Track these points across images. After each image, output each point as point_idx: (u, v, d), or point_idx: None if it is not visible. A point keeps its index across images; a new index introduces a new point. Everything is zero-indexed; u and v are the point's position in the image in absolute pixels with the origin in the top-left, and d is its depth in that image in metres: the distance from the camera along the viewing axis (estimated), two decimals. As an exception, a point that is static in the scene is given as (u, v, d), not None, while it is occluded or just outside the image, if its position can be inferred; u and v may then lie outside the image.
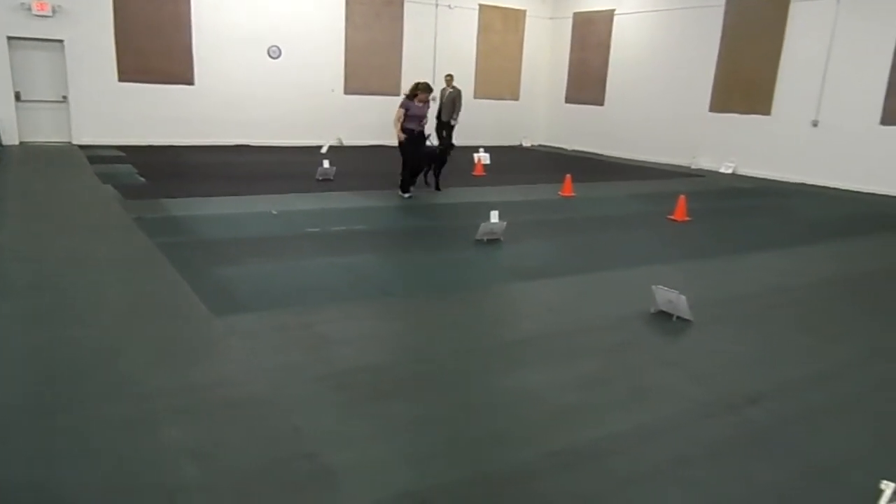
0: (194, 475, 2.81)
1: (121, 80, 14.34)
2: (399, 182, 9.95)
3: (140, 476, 2.79)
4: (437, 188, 10.55)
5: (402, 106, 9.55)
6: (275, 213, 8.27)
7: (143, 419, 3.23)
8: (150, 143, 14.57)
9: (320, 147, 14.18)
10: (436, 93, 14.46)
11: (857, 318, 5.51)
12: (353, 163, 13.42)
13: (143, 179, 10.33)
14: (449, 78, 14.67)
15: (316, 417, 3.34)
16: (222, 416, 3.30)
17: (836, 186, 12.94)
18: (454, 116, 14.51)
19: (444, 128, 14.47)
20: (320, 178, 10.90)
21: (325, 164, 11.07)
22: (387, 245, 7.15)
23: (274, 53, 15.76)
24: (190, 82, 15.02)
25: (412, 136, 9.59)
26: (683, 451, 3.21)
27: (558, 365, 4.17)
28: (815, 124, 13.49)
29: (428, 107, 9.68)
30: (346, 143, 16.59)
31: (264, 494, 2.72)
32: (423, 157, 10.06)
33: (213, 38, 15.00)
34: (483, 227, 7.27)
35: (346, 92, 16.70)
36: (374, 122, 16.79)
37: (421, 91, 9.48)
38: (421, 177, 10.51)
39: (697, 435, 3.38)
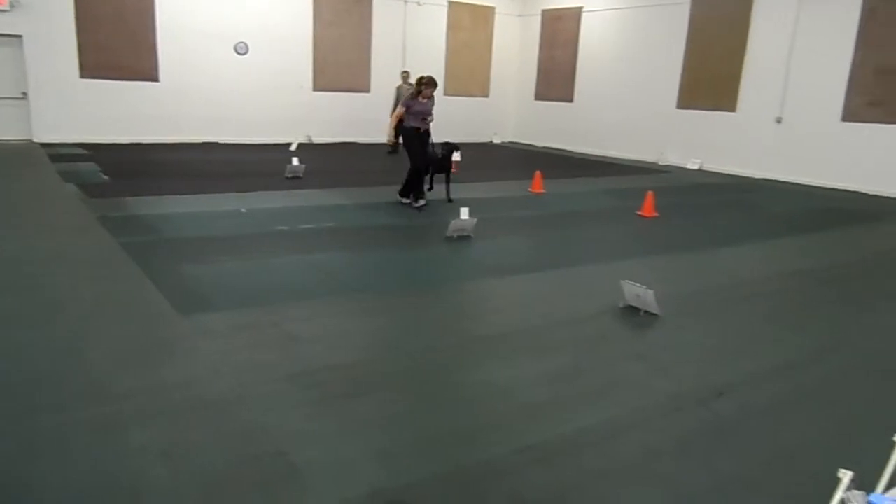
0: (162, 475, 2.76)
1: (83, 76, 14.02)
2: (401, 188, 9.10)
3: (107, 477, 2.73)
4: (449, 199, 9.35)
5: (404, 103, 8.86)
6: (244, 210, 8.18)
7: (110, 421, 3.16)
8: (114, 141, 14.29)
9: (289, 144, 14.05)
10: (408, 88, 14.54)
11: (820, 309, 5.62)
12: (322, 160, 13.32)
13: (106, 178, 10.12)
14: (405, 74, 14.56)
15: (285, 416, 3.31)
16: (190, 416, 3.25)
17: (799, 182, 13.20)
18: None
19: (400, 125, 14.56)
20: (289, 176, 10.80)
21: (295, 161, 10.97)
22: (357, 242, 7.11)
23: (241, 50, 15.56)
24: (154, 79, 14.76)
25: (417, 133, 8.84)
26: (653, 444, 3.24)
27: (529, 360, 4.19)
28: (778, 121, 13.73)
29: (432, 102, 8.91)
30: (316, 140, 16.46)
31: (233, 494, 2.68)
32: (431, 157, 9.19)
33: (178, 33, 14.75)
34: (453, 223, 7.27)
35: (316, 88, 16.56)
36: (344, 119, 16.70)
37: (425, 86, 8.71)
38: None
39: (666, 428, 3.42)
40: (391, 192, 10.22)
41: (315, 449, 3.02)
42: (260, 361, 3.92)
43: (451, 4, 17.97)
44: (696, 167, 15.22)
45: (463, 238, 7.26)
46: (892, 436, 1.87)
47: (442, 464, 2.97)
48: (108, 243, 6.37)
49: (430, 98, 8.84)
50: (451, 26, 18.13)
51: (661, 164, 15.85)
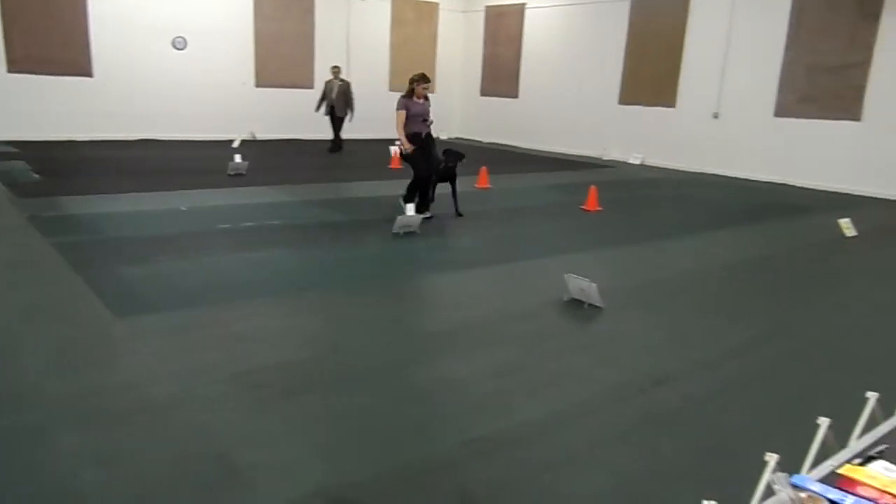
0: (97, 482, 2.67)
1: (10, 70, 13.42)
2: (402, 203, 8.04)
3: (37, 486, 2.62)
4: (458, 212, 8.39)
5: (400, 107, 7.91)
6: (184, 209, 7.97)
7: (42, 427, 3.04)
8: (46, 139, 13.74)
9: (232, 141, 13.76)
10: (339, 84, 14.12)
11: (756, 299, 5.81)
12: (266, 157, 13.10)
13: (37, 176, 9.73)
14: (336, 70, 14.27)
15: (228, 417, 3.24)
16: (128, 420, 3.15)
17: (736, 175, 13.60)
18: (349, 111, 14.26)
19: (337, 123, 14.27)
20: (232, 173, 10.58)
21: (237, 158, 10.76)
22: (302, 240, 7.02)
23: (179, 44, 15.15)
24: (88, 74, 14.23)
25: (419, 139, 7.97)
26: (596, 435, 3.30)
27: (475, 354, 4.21)
28: (715, 116, 14.11)
29: (429, 102, 8.14)
30: (260, 136, 16.16)
31: (172, 498, 2.61)
32: (437, 162, 8.30)
33: (113, 26, 14.26)
34: (399, 220, 7.25)
35: (258, 84, 16.26)
36: (288, 116, 16.43)
37: (417, 83, 7.93)
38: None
39: (609, 418, 3.48)
40: (337, 189, 10.14)
41: (259, 449, 2.97)
42: (202, 362, 3.83)
43: (394, 0, 17.88)
44: (638, 162, 15.53)
45: (409, 234, 7.24)
46: (828, 419, 1.93)
47: (388, 460, 2.96)
48: (38, 244, 6.13)
49: (426, 97, 8.07)
50: (395, 21, 18.04)
51: (604, 159, 16.11)
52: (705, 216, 9.63)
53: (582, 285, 5.19)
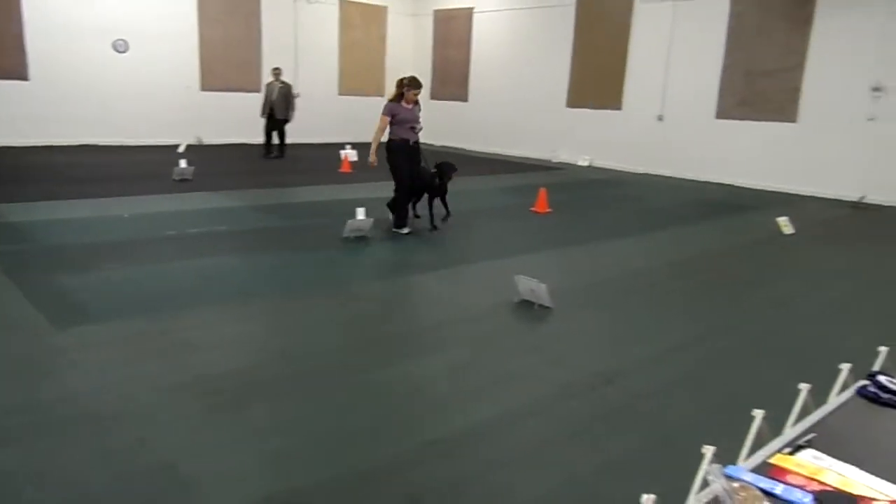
0: (35, 499, 2.58)
1: (-59, 74, 12.90)
2: (390, 212, 7.78)
3: (-30, 509, 2.53)
4: (434, 226, 7.93)
5: (385, 112, 7.37)
6: (126, 216, 7.77)
7: (-26, 446, 2.93)
8: (-20, 145, 13.22)
9: (177, 146, 13.47)
10: (280, 87, 13.74)
11: (699, 295, 5.97)
12: (213, 162, 12.85)
13: (-29, 184, 9.36)
14: (277, 71, 13.95)
15: (174, 428, 3.18)
16: (68, 433, 3.06)
17: (681, 176, 13.95)
18: (290, 114, 13.94)
19: (277, 126, 13.93)
20: (178, 179, 10.36)
21: (183, 163, 10.54)
22: (250, 246, 6.92)
23: (120, 47, 14.76)
24: (23, 77, 13.74)
25: (405, 147, 7.45)
26: (546, 432, 3.34)
27: (427, 357, 4.22)
28: (660, 118, 14.45)
29: (419, 108, 7.60)
30: (206, 141, 15.86)
31: (117, 515, 2.55)
32: (421, 175, 7.82)
33: (49, 29, 13.80)
34: (350, 224, 7.22)
35: (204, 88, 15.95)
36: (235, 120, 16.18)
37: (408, 87, 7.34)
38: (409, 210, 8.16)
39: (559, 416, 3.53)
40: (286, 194, 10.04)
41: (206, 460, 2.92)
42: (147, 372, 3.74)
43: (342, 3, 17.77)
44: (586, 164, 15.78)
45: (360, 238, 7.21)
46: (763, 411, 2.01)
47: (339, 465, 2.95)
48: (-27, 254, 5.90)
49: (416, 102, 7.51)
50: (344, 25, 17.95)
51: (553, 161, 16.32)
52: (651, 216, 9.84)
53: (532, 286, 5.26)
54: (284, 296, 5.36)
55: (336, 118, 17.84)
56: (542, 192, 9.59)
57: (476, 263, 6.65)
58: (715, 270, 6.91)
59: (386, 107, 7.44)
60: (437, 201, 8.14)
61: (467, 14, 18.04)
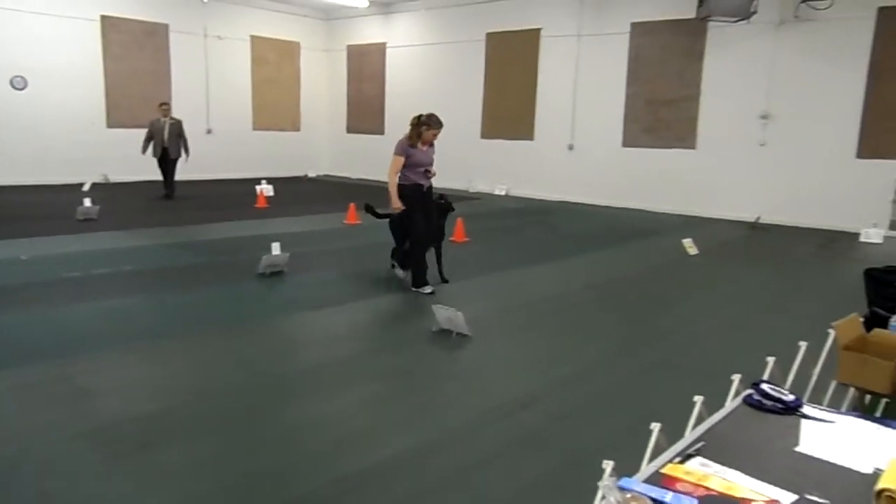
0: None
1: None
2: (397, 267, 7.01)
3: None
4: (444, 278, 7.06)
5: (399, 152, 6.50)
6: (24, 258, 7.38)
7: None
8: None
9: (81, 185, 12.93)
10: (172, 123, 12.68)
11: (611, 317, 6.17)
12: (120, 200, 12.42)
13: None
14: (165, 107, 12.94)
15: (74, 479, 3.01)
16: (-46, 495, 2.86)
17: (591, 203, 14.43)
18: (184, 153, 12.97)
19: (168, 166, 12.92)
20: (81, 218, 9.94)
21: (87, 202, 10.13)
22: (159, 285, 6.69)
23: (18, 84, 14.13)
24: (-89, 116, 12.95)
25: (419, 193, 6.60)
26: (464, 460, 3.36)
27: (343, 391, 4.17)
28: (570, 148, 14.96)
29: (433, 149, 6.81)
30: (113, 179, 15.30)
31: (8, 577, 2.39)
32: (436, 224, 6.94)
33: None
34: (265, 259, 7.10)
35: (110, 125, 15.44)
36: (143, 157, 15.68)
37: (426, 127, 6.54)
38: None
39: (475, 443, 3.55)
40: (198, 231, 9.78)
41: (109, 511, 2.78)
42: (45, 422, 3.54)
43: (254, 39, 17.65)
44: (502, 193, 16.11)
45: (276, 273, 7.10)
46: (659, 424, 2.08)
47: (252, 507, 2.87)
48: None
49: (432, 144, 6.70)
50: (256, 61, 17.80)
51: (471, 191, 16.57)
52: (566, 242, 10.13)
53: (449, 315, 5.30)
54: (194, 336, 5.20)
55: (251, 153, 17.63)
56: (460, 221, 9.72)
57: (393, 294, 6.66)
58: (626, 293, 7.16)
59: (400, 146, 6.52)
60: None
61: (380, 49, 18.26)
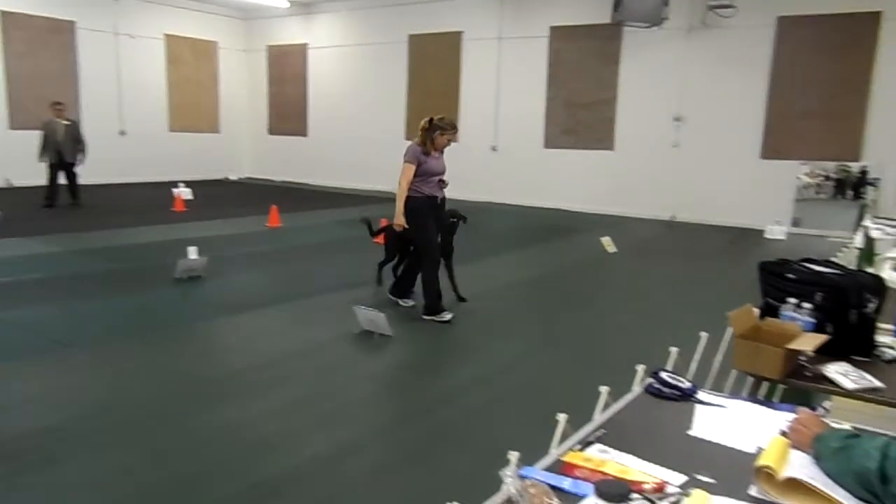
0: None
1: None
2: (397, 296, 6.28)
3: None
4: (461, 297, 6.48)
5: (411, 159, 5.65)
6: (-83, 269, 6.93)
7: None
8: None
9: (-18, 190, 12.23)
10: (67, 125, 11.72)
11: (531, 314, 6.29)
12: (25, 205, 11.79)
13: None
14: (59, 107, 11.87)
15: (-31, 500, 2.86)
16: None
17: (514, 203, 14.67)
18: (80, 157, 11.92)
19: (66, 169, 11.83)
20: (-18, 225, 9.39)
21: (-12, 208, 9.59)
22: (69, 293, 6.39)
23: None
24: None
25: (433, 206, 5.82)
26: (382, 459, 3.37)
27: (261, 395, 4.11)
28: (494, 149, 15.16)
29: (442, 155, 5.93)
30: (17, 183, 14.52)
31: None
32: (444, 237, 6.21)
33: None
34: (181, 263, 6.90)
35: (13, 126, 14.64)
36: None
37: (442, 131, 5.70)
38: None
39: (395, 442, 3.57)
40: (111, 236, 9.42)
41: (7, 530, 2.65)
42: (-64, 442, 3.34)
43: (168, 38, 17.08)
44: (427, 195, 16.17)
45: (194, 278, 6.91)
46: (566, 415, 2.14)
47: (163, 518, 2.79)
48: None
49: (441, 151, 5.87)
50: (171, 60, 17.24)
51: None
52: (490, 242, 10.25)
53: (371, 316, 5.29)
54: (104, 344, 5.00)
55: (168, 156, 17.05)
56: (384, 222, 9.69)
57: (315, 297, 6.58)
58: (547, 290, 7.32)
59: (412, 153, 5.68)
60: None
61: (301, 50, 18.02)
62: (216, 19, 18.22)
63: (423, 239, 5.85)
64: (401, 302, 6.17)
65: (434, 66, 15.78)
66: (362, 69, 17.08)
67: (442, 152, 5.87)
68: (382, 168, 16.90)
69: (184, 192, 12.66)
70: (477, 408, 4.03)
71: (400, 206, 5.68)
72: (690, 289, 7.51)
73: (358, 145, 17.28)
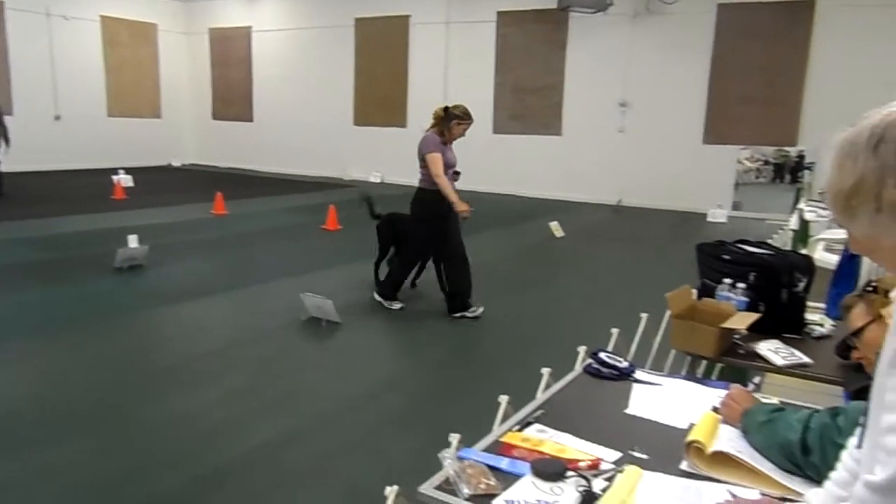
0: None
1: None
2: (382, 286, 5.92)
3: None
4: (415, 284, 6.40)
5: (435, 150, 5.34)
6: None
7: None
8: None
9: None
10: None
11: (478, 299, 6.30)
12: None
13: None
14: None
15: None
16: None
17: (463, 189, 14.55)
18: (3, 143, 11.15)
19: None
20: None
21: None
22: (2, 283, 6.15)
23: None
24: None
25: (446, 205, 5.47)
26: (328, 446, 3.35)
27: (206, 384, 4.04)
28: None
29: None
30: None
31: None
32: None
33: None
34: (121, 252, 6.70)
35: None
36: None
37: (459, 121, 5.36)
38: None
39: (342, 429, 3.55)
40: (46, 225, 9.10)
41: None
42: None
43: (104, 20, 16.45)
44: (378, 180, 16.05)
45: (134, 267, 6.73)
46: (507, 397, 2.16)
47: (101, 513, 2.72)
48: None
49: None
50: (108, 43, 16.62)
51: (346, 179, 16.40)
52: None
53: (319, 303, 5.24)
54: (42, 335, 4.84)
55: (106, 142, 16.48)
56: (332, 209, 9.60)
57: (262, 284, 6.49)
58: (495, 275, 7.36)
59: (432, 142, 5.37)
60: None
61: (245, 33, 17.61)
62: (155, 1, 17.65)
63: (438, 235, 5.61)
64: (386, 304, 5.77)
65: (381, 50, 15.63)
66: (308, 53, 16.81)
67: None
68: (333, 154, 16.74)
69: (124, 179, 12.30)
70: (423, 393, 4.04)
71: (452, 194, 5.42)
72: (635, 271, 7.66)
73: (305, 131, 17.03)
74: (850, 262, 3.57)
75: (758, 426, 1.53)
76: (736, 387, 1.84)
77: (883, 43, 10.61)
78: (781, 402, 1.83)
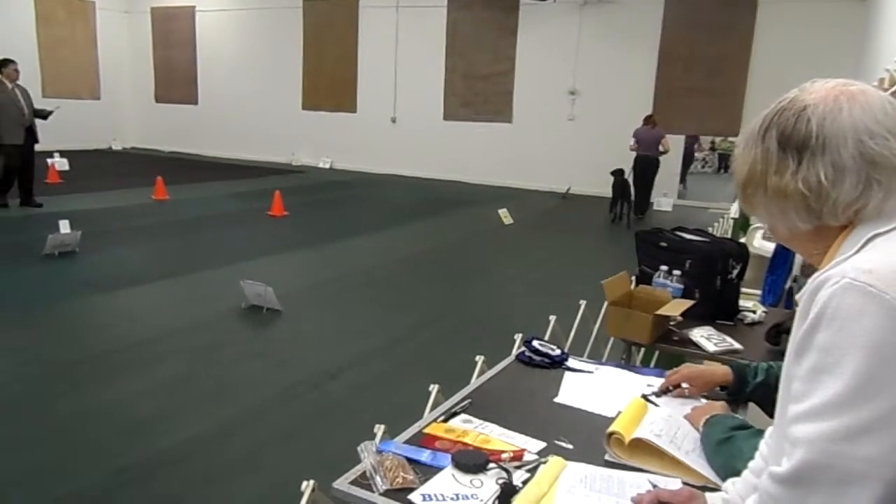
0: None
1: None
2: None
3: None
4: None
5: None
6: None
7: None
8: None
9: None
10: None
11: (427, 285, 6.27)
12: None
13: None
14: None
15: None
16: None
17: (414, 175, 14.60)
18: None
19: None
20: None
21: None
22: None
23: None
24: None
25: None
26: (264, 437, 3.25)
27: (137, 375, 3.89)
28: (393, 121, 14.99)
29: None
30: None
31: None
32: None
33: None
34: (51, 239, 6.42)
35: None
36: None
37: None
38: None
39: (279, 418, 3.46)
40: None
41: None
42: None
43: (39, -5, 15.77)
44: (327, 166, 15.83)
45: (66, 254, 6.45)
46: (437, 385, 2.11)
47: (16, 511, 2.58)
48: None
49: None
50: (42, 20, 15.90)
51: (294, 164, 16.13)
52: (387, 214, 10.15)
53: (259, 290, 5.11)
54: (-39, 327, 4.59)
55: (40, 123, 15.74)
56: (278, 195, 9.41)
57: (203, 271, 6.31)
58: (441, 262, 7.32)
59: None
60: None
61: (188, 13, 17.09)
62: (94, -23, 16.97)
63: None
64: None
65: (331, 33, 15.36)
66: (255, 35, 16.41)
67: None
68: (280, 138, 16.42)
69: (58, 163, 11.84)
70: (364, 382, 3.97)
71: None
72: (580, 259, 7.71)
73: (252, 115, 16.65)
74: (785, 250, 3.63)
75: (715, 443, 1.45)
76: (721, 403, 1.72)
77: (823, 34, 10.89)
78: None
